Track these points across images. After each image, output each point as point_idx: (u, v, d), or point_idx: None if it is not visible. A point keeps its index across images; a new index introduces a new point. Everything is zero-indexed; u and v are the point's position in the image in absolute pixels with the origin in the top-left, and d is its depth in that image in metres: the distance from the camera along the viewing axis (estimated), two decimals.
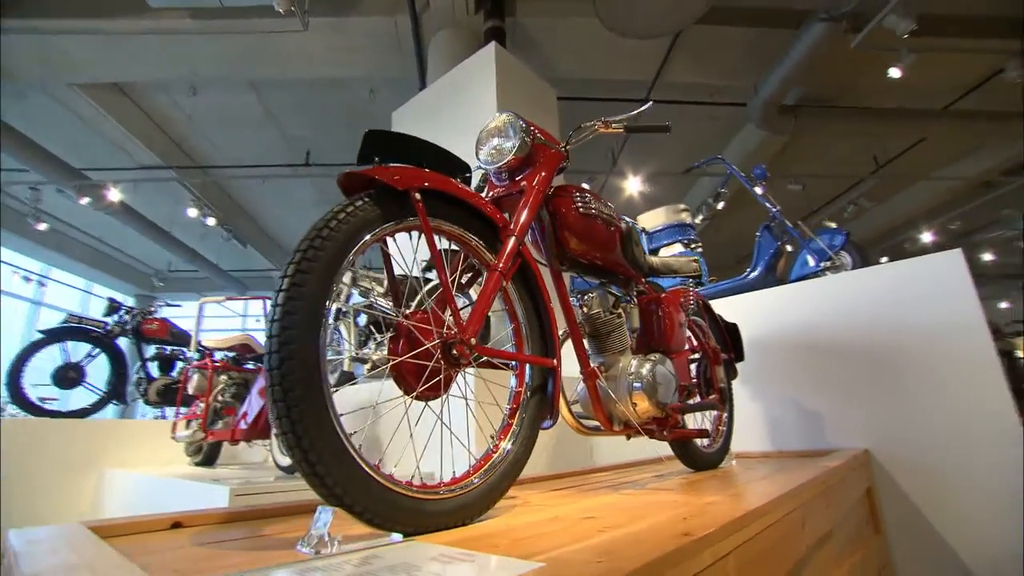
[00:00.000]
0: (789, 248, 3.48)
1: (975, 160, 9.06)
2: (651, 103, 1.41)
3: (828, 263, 2.96)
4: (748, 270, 3.38)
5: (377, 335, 4.21)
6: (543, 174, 1.29)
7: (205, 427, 2.99)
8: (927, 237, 11.00)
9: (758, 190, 3.55)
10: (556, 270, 1.41)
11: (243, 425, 2.80)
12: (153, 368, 4.47)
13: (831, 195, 9.88)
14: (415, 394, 0.95)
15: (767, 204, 3.36)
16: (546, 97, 4.53)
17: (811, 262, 3.07)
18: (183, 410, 3.50)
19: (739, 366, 2.18)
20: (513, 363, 1.20)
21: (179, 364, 4.51)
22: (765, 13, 5.65)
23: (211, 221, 8.28)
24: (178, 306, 4.97)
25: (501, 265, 1.09)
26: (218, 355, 3.42)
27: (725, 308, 2.36)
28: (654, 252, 3.68)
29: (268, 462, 3.87)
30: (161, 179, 8.19)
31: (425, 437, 1.00)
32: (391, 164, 1.02)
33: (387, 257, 1.05)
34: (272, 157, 8.11)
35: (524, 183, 1.27)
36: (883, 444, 2.20)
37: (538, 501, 1.28)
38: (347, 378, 3.76)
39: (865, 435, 2.26)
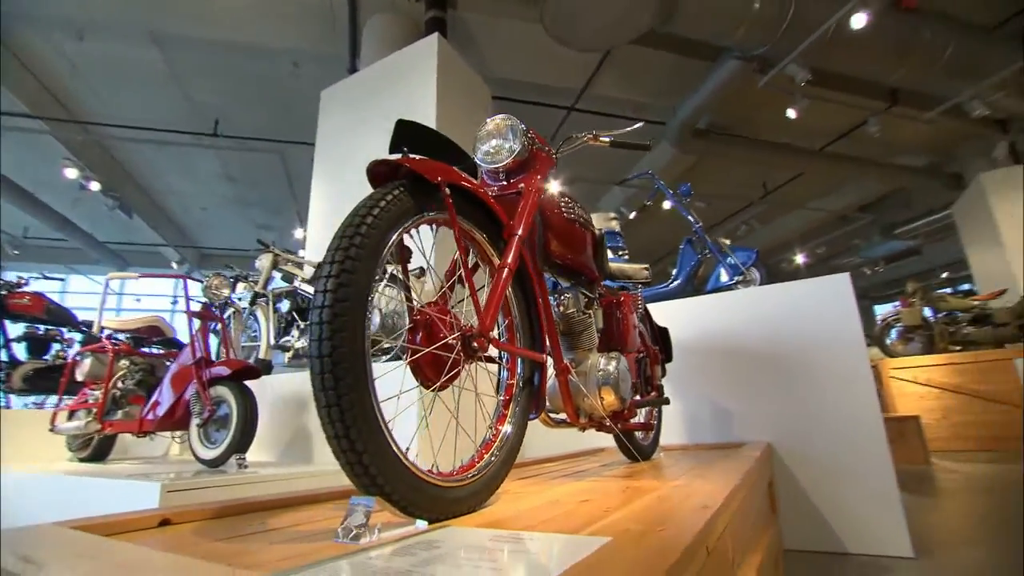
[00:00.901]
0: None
1: (838, 196, 10.66)
2: (641, 123, 1.52)
3: (740, 277, 3.34)
4: (672, 279, 3.69)
5: (300, 322, 4.00)
6: (539, 177, 1.35)
7: (101, 418, 2.67)
8: (800, 259, 12.70)
9: (668, 204, 3.90)
10: (539, 269, 1.47)
11: (152, 416, 2.54)
12: (19, 350, 3.86)
13: (727, 214, 10.97)
14: (436, 387, 0.97)
15: (691, 219, 3.69)
16: (482, 95, 4.55)
17: (725, 276, 3.44)
18: (66, 399, 3.07)
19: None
20: (506, 356, 1.25)
21: (55, 346, 3.94)
22: (688, 43, 6.13)
23: (94, 186, 7.22)
24: (61, 279, 4.30)
25: (510, 262, 1.13)
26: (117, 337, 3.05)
27: (654, 313, 2.58)
28: None
29: (171, 455, 3.52)
30: (28, 129, 7.01)
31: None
32: (414, 156, 1.02)
33: (404, 249, 1.05)
34: (173, 122, 7.26)
35: (522, 185, 1.32)
36: (781, 438, 2.55)
37: (516, 490, 1.34)
38: (265, 366, 3.53)
39: (767, 430, 2.60)
